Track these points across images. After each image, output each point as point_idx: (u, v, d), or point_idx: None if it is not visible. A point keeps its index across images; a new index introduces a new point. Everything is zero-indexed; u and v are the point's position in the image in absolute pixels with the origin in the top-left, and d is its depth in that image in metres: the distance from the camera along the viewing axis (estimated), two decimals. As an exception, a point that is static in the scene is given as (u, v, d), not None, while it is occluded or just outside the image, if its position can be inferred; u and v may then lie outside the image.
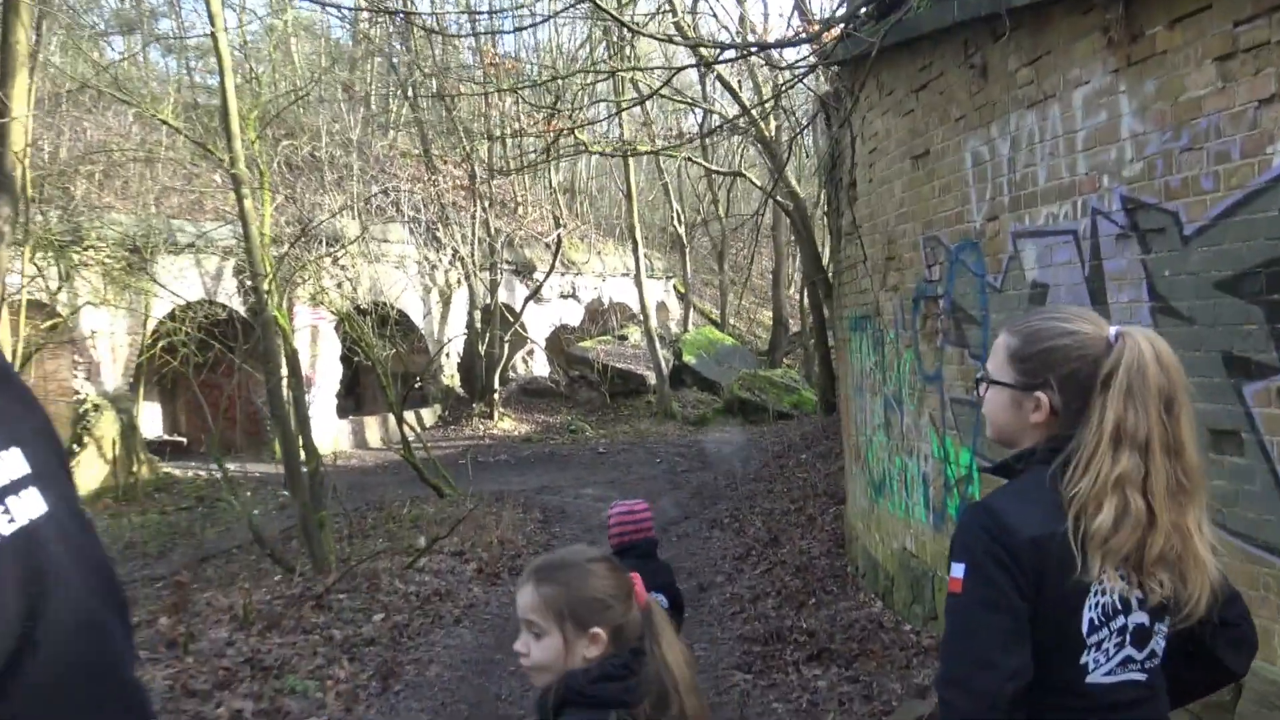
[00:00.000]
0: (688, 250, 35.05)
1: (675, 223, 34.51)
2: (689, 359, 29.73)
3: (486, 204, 25.23)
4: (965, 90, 4.84)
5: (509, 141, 26.66)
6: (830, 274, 9.46)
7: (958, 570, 1.62)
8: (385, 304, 20.90)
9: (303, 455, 10.06)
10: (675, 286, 37.83)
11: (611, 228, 39.33)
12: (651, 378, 27.67)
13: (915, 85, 5.31)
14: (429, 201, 23.98)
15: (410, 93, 24.28)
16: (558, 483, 17.45)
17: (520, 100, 21.71)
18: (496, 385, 25.01)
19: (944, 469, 5.48)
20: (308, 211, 17.36)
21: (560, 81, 19.49)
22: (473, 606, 8.22)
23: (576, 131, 18.26)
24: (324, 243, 17.10)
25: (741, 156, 30.90)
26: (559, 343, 30.38)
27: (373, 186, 21.33)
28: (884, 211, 5.30)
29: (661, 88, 12.53)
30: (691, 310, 35.94)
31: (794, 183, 20.56)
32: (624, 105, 18.81)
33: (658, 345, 26.34)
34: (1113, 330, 1.66)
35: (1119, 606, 1.62)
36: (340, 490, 14.20)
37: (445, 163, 26.00)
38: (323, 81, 20.81)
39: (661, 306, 33.08)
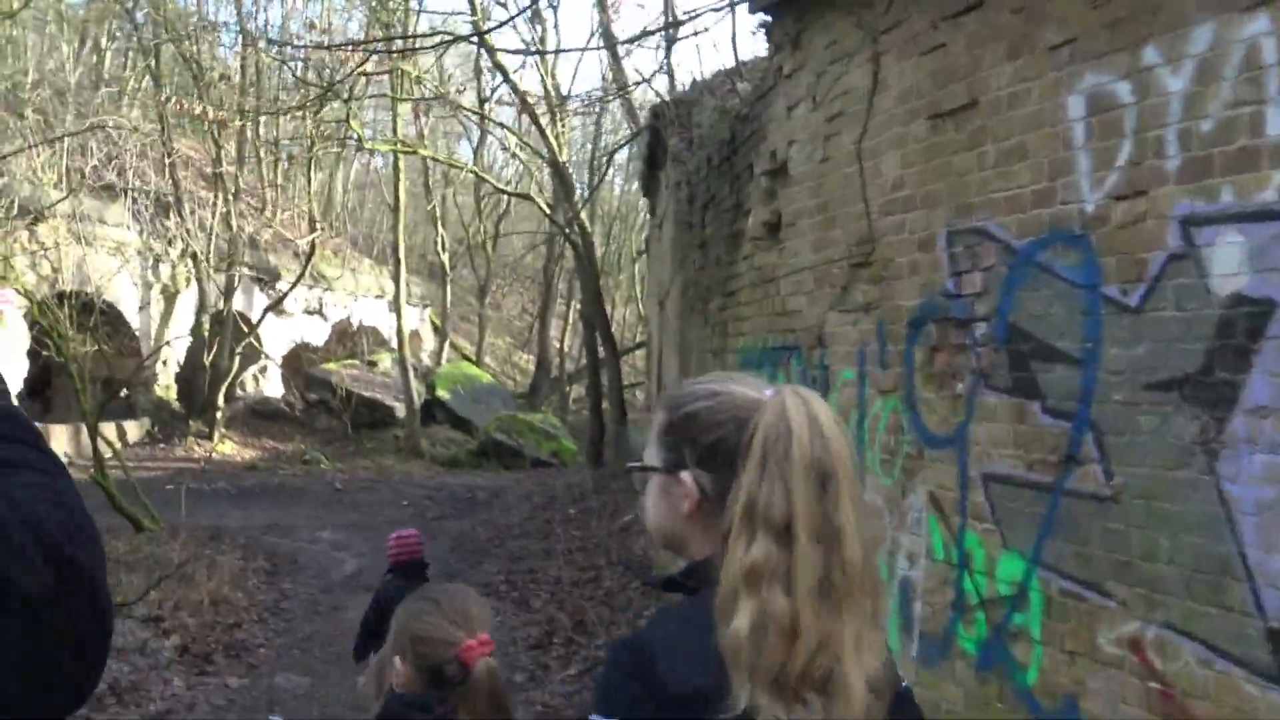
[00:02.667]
0: (449, 279, 32.94)
1: (439, 249, 32.36)
2: (442, 394, 27.68)
3: (231, 194, 22.13)
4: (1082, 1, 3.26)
5: (264, 129, 23.80)
6: (681, 295, 7.95)
7: None
8: (91, 293, 17.46)
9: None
10: (431, 317, 35.64)
11: (369, 245, 36.63)
12: (400, 410, 25.35)
13: (955, 8, 3.79)
14: (161, 183, 20.64)
15: (153, 56, 20.93)
16: (288, 521, 14.92)
17: (284, 79, 19.21)
18: (221, 402, 21.94)
19: (953, 579, 3.70)
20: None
21: (331, 60, 17.18)
22: (170, 715, 5.85)
23: (351, 120, 16.07)
24: (15, 207, 13.81)
25: (517, 184, 29.29)
26: (298, 362, 27.38)
27: (91, 148, 17.82)
28: (850, 201, 3.81)
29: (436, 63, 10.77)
30: (447, 344, 33.79)
31: (581, 212, 19.31)
32: (404, 98, 16.75)
33: (411, 376, 24.08)
34: (769, 390, 1.36)
35: None
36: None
37: (184, 141, 22.67)
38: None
39: (415, 335, 30.74)
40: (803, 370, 4.18)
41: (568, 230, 19.86)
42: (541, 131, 18.69)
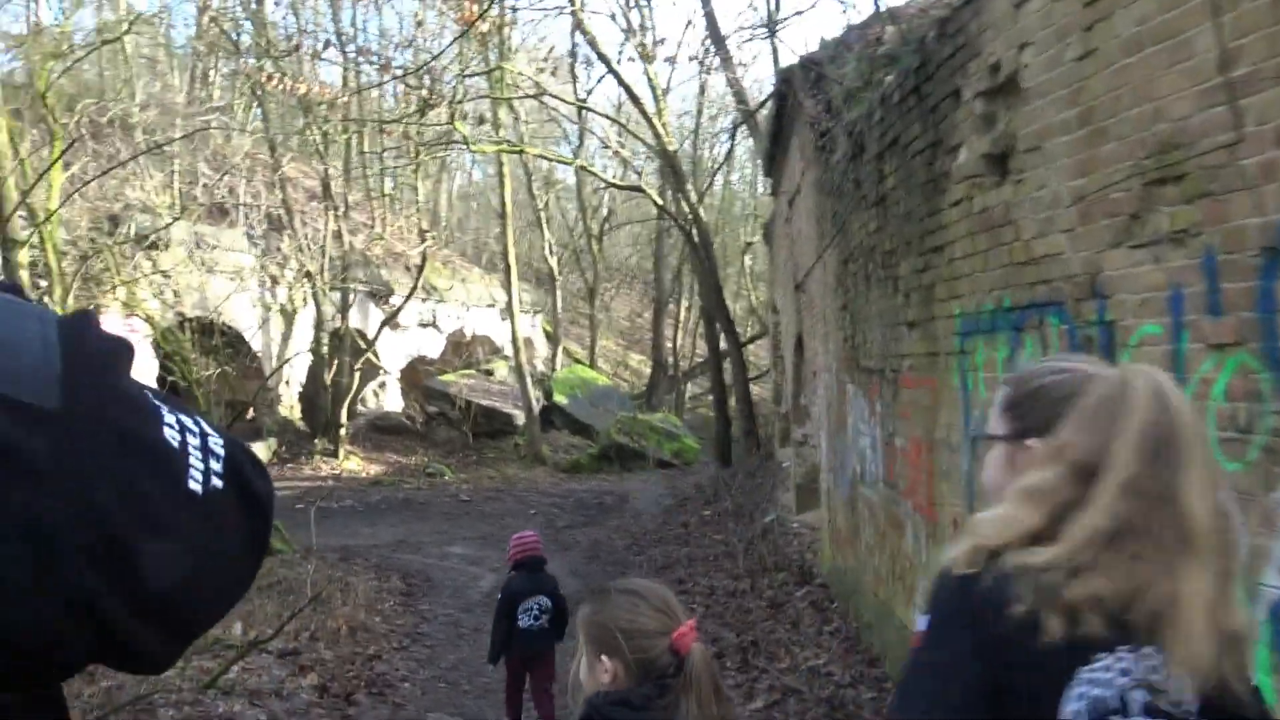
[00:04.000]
0: (558, 284, 32.54)
1: (547, 254, 31.98)
2: (560, 399, 27.26)
3: (340, 212, 22.05)
4: None
5: (369, 144, 23.72)
6: (841, 268, 7.05)
7: (922, 623, 1.42)
8: (213, 319, 17.46)
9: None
10: (543, 323, 35.35)
11: (477, 255, 36.63)
12: (519, 417, 24.98)
13: None
14: (274, 206, 20.65)
15: (258, 83, 20.97)
16: (417, 536, 14.52)
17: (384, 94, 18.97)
18: (344, 419, 21.88)
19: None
20: (112, 196, 13.93)
21: (433, 69, 16.80)
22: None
23: (456, 122, 15.62)
24: (135, 237, 13.75)
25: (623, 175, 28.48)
26: (416, 375, 27.30)
27: (200, 170, 17.81)
28: (1134, 101, 2.86)
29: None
30: (560, 349, 33.41)
31: (699, 202, 18.50)
32: (506, 96, 16.21)
33: (529, 382, 23.64)
34: (1113, 369, 1.45)
35: (1115, 705, 1.31)
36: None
37: (293, 163, 22.70)
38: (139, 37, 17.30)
39: (528, 343, 30.41)
40: (1069, 331, 3.26)
41: (682, 222, 19.08)
42: (648, 119, 17.98)
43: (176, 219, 13.50)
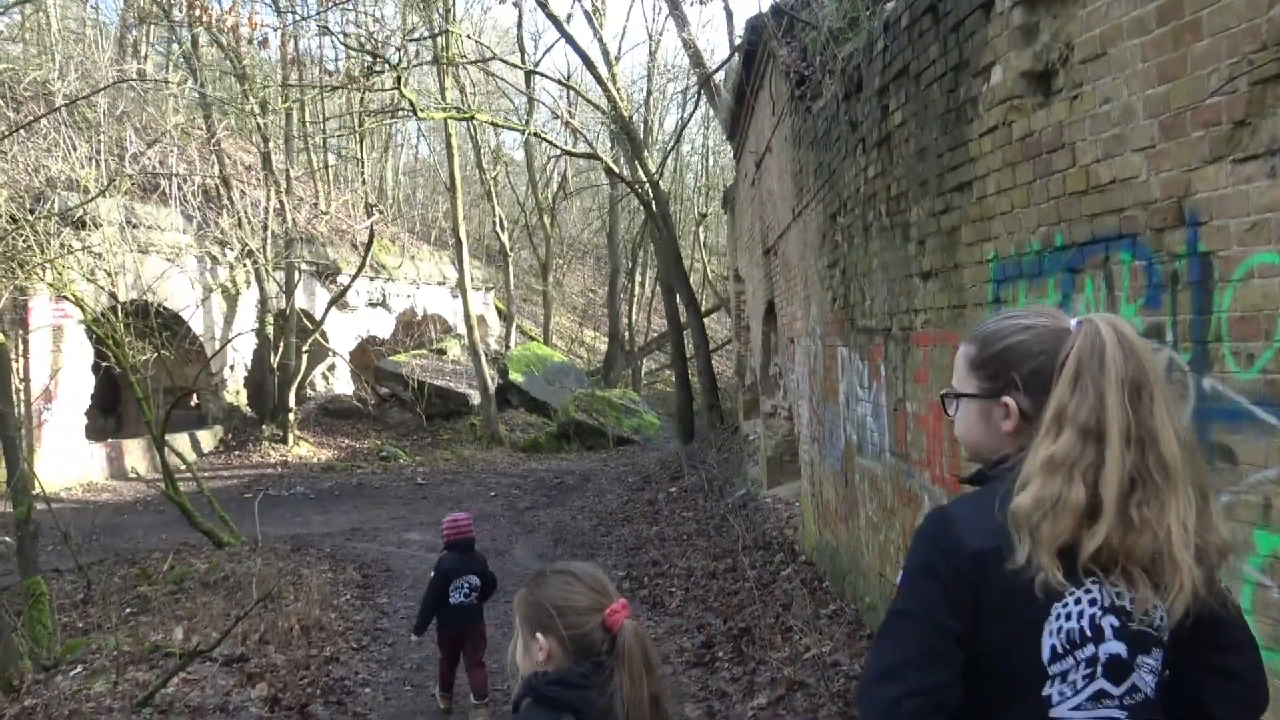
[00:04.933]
0: (509, 260, 31.76)
1: (499, 229, 31.17)
2: (516, 377, 26.60)
3: (282, 188, 21.10)
4: None
5: (310, 115, 22.76)
6: (827, 223, 6.54)
7: (900, 577, 1.56)
8: (150, 301, 16.54)
9: None
10: (495, 300, 34.54)
11: (426, 232, 35.68)
12: (474, 397, 24.32)
13: None
14: (210, 177, 19.64)
15: (192, 49, 19.93)
16: (373, 523, 13.89)
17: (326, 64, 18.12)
18: (292, 404, 21.08)
19: None
20: (34, 169, 12.96)
21: (377, 33, 15.97)
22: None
23: (402, 87, 14.84)
24: (59, 212, 12.83)
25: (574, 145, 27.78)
26: (367, 356, 26.48)
27: (132, 146, 16.79)
28: None
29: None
30: (514, 326, 32.67)
31: (657, 169, 17.92)
32: (454, 61, 15.46)
33: (483, 361, 22.94)
34: (1074, 321, 1.55)
35: (1087, 634, 1.49)
36: (80, 537, 10.45)
37: (230, 138, 21.68)
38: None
39: (481, 321, 29.63)
40: (1146, 267, 2.77)
41: (639, 189, 18.48)
42: (602, 83, 17.33)
43: (102, 191, 12.57)
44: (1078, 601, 1.46)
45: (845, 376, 6.31)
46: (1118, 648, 1.48)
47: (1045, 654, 1.46)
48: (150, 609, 8.24)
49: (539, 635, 1.95)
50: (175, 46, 25.48)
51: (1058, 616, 1.46)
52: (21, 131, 12.82)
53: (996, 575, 1.45)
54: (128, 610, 8.39)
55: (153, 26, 25.13)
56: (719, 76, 16.69)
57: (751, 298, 14.28)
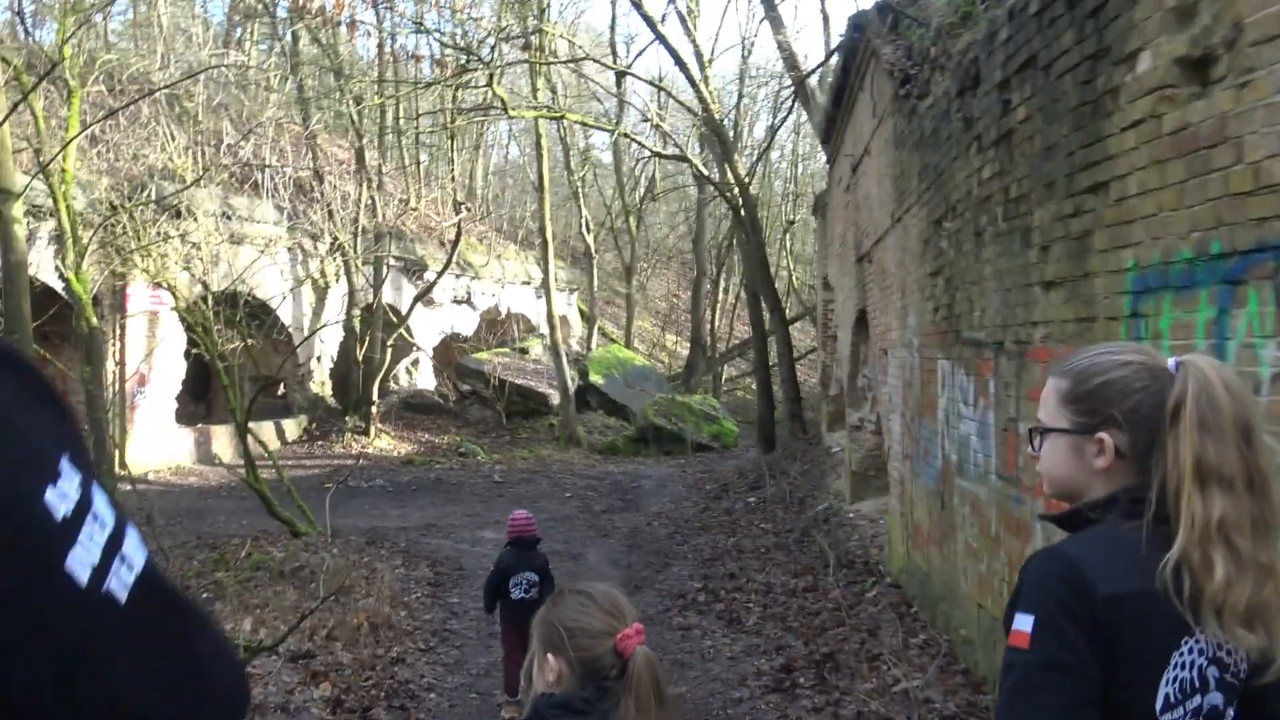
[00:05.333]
0: (594, 262, 31.70)
1: (584, 230, 31.15)
2: (596, 379, 26.46)
3: (374, 184, 21.34)
4: None
5: (404, 113, 22.99)
6: (929, 228, 6.18)
7: (1024, 623, 1.43)
8: (240, 291, 16.83)
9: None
10: (578, 302, 34.55)
11: (513, 232, 35.90)
12: (554, 397, 24.26)
13: None
14: (303, 168, 19.94)
15: (292, 44, 20.28)
16: (447, 520, 13.84)
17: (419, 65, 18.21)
18: (375, 397, 21.29)
19: None
20: (133, 158, 13.23)
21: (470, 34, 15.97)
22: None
23: (494, 85, 14.81)
24: (156, 200, 13.07)
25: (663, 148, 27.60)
26: (449, 353, 26.67)
27: (228, 141, 17.11)
28: None
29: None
30: (595, 328, 32.61)
31: (748, 173, 17.59)
32: (546, 61, 15.37)
33: (564, 362, 22.87)
34: (1171, 360, 1.53)
35: (1195, 685, 1.46)
36: (163, 520, 10.54)
37: (325, 132, 22.01)
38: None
39: (563, 321, 29.65)
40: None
41: (727, 193, 18.17)
42: (694, 85, 17.07)
43: (198, 180, 12.78)
44: (1189, 651, 1.44)
45: (946, 392, 5.92)
46: (1217, 699, 1.47)
47: (1159, 703, 1.43)
48: (224, 596, 8.25)
49: (550, 656, 1.94)
50: (276, 44, 26.08)
51: (1175, 665, 1.44)
52: (122, 121, 13.11)
53: (1129, 621, 1.42)
54: (204, 595, 8.42)
55: (256, 24, 25.77)
56: (813, 80, 16.33)
57: (841, 306, 13.86)
